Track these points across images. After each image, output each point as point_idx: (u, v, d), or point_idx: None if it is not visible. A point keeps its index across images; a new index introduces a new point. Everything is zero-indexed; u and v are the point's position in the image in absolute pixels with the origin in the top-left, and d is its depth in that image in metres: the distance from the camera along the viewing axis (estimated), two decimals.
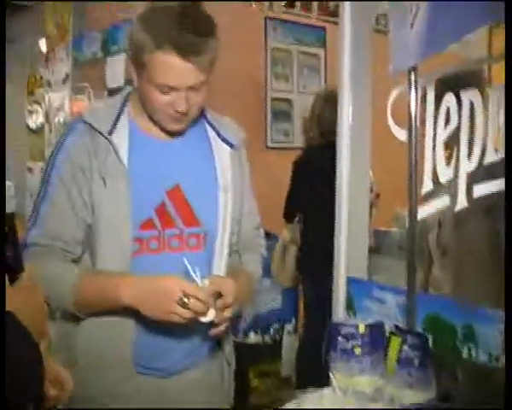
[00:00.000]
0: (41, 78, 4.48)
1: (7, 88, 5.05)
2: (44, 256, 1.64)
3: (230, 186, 1.78)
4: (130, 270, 1.65)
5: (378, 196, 3.61)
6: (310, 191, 3.71)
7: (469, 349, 1.74)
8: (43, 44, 4.44)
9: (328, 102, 3.67)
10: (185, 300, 1.51)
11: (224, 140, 1.81)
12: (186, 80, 1.57)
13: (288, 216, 3.94)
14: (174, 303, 1.52)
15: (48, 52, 4.35)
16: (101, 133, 1.64)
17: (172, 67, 1.54)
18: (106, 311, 1.64)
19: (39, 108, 4.50)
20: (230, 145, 1.81)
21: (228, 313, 1.63)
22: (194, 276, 1.58)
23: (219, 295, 1.60)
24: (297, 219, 3.87)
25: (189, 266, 1.59)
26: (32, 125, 4.62)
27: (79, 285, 1.61)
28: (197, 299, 1.53)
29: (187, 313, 1.53)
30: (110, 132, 1.65)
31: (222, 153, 1.80)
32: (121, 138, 1.66)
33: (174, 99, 1.59)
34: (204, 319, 1.59)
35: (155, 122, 1.70)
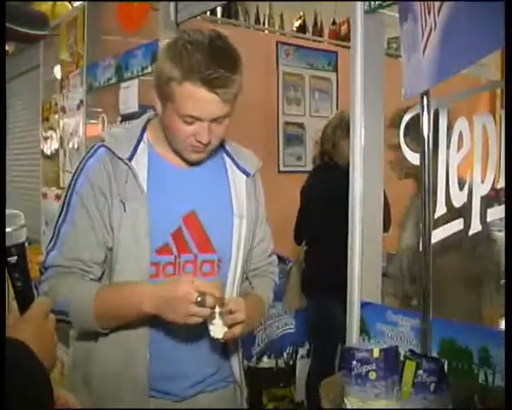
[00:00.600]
0: (56, 104, 4.51)
1: (22, 115, 5.12)
2: (64, 276, 1.66)
3: (245, 214, 1.80)
4: None
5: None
6: (312, 213, 3.73)
7: (486, 374, 1.73)
8: (57, 71, 4.49)
9: (331, 123, 3.71)
10: (201, 299, 1.52)
11: (240, 168, 1.83)
12: (211, 112, 1.59)
13: (297, 239, 3.96)
14: (192, 305, 1.52)
15: (62, 79, 4.39)
16: (121, 159, 1.67)
17: (199, 98, 1.56)
18: (125, 324, 1.65)
19: (54, 134, 4.53)
20: (246, 174, 1.84)
21: (238, 330, 1.64)
22: None
23: (230, 313, 1.61)
24: (304, 241, 3.88)
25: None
26: (47, 150, 4.65)
27: (99, 298, 1.62)
28: (213, 296, 1.54)
29: (205, 311, 1.54)
30: (130, 158, 1.67)
31: (238, 181, 1.82)
32: (141, 164, 1.69)
33: (197, 130, 1.61)
34: (215, 335, 1.60)
35: (174, 149, 1.72)
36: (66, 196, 1.71)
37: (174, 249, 1.70)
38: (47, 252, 1.70)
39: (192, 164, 1.75)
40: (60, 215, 1.70)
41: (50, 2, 4.82)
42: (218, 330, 1.59)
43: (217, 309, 1.58)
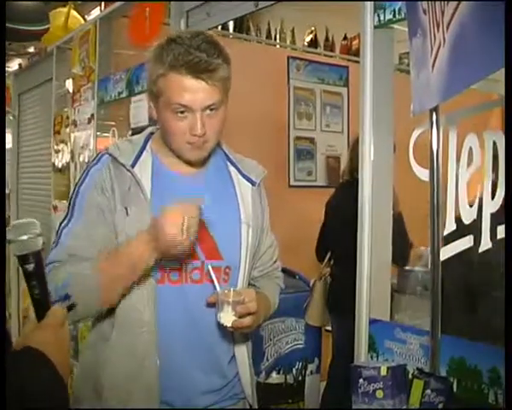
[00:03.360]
0: (67, 117, 4.54)
1: (34, 128, 5.14)
2: (63, 264, 1.64)
3: (251, 222, 1.80)
4: (155, 299, 1.67)
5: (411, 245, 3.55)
6: (338, 229, 3.71)
7: (496, 393, 1.70)
8: (69, 85, 4.52)
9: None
10: (185, 223, 1.53)
11: (245, 177, 1.85)
12: (200, 99, 1.61)
13: (319, 254, 3.93)
14: (178, 228, 1.53)
15: (74, 92, 4.42)
16: (124, 166, 1.69)
17: (186, 86, 1.60)
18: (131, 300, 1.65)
19: (65, 148, 4.55)
20: (252, 183, 1.84)
21: (247, 321, 1.65)
22: (217, 285, 1.64)
23: (243, 303, 1.63)
24: (328, 257, 3.86)
25: (213, 274, 1.66)
26: (58, 164, 4.67)
27: (99, 264, 1.60)
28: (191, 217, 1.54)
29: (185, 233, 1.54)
30: (133, 165, 1.70)
31: (244, 189, 1.83)
32: (144, 172, 1.70)
33: (190, 123, 1.63)
34: (224, 322, 1.61)
35: (177, 156, 1.74)
36: (70, 200, 1.73)
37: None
38: (50, 252, 1.70)
39: (194, 166, 1.76)
40: (65, 218, 1.72)
41: (63, 17, 4.87)
42: (227, 317, 1.61)
43: (229, 298, 1.61)
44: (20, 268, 1.17)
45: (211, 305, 1.68)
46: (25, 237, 1.15)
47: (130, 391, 1.67)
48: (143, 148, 1.75)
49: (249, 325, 1.67)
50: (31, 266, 1.17)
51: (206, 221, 1.72)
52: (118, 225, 1.66)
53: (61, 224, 1.71)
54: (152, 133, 1.81)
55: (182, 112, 1.62)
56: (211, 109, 1.64)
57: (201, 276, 1.72)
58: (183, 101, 1.61)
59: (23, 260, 1.16)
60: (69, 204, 1.73)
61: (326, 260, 3.86)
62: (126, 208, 1.66)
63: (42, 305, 1.18)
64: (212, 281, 1.69)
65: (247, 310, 1.63)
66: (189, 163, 1.75)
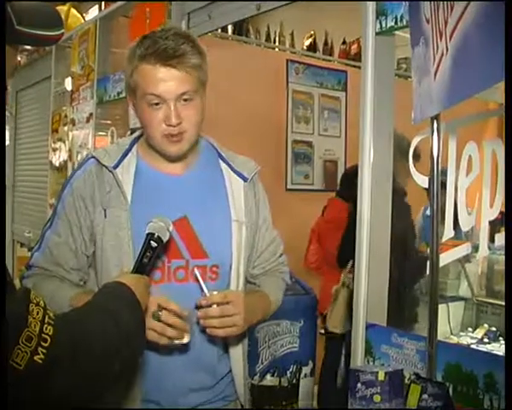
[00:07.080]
0: (65, 116, 4.54)
1: (32, 126, 5.11)
2: (44, 278, 1.71)
3: (244, 219, 1.79)
4: None
5: None
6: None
7: (491, 399, 1.72)
8: (68, 83, 4.52)
9: None
10: (158, 312, 1.53)
11: (237, 173, 1.84)
12: (172, 87, 1.63)
13: (341, 260, 3.92)
14: (150, 319, 1.52)
15: (73, 91, 4.42)
16: (106, 167, 1.70)
17: (157, 75, 1.62)
18: None
19: (63, 146, 4.54)
20: (244, 179, 1.84)
21: (229, 321, 1.63)
22: (204, 287, 1.63)
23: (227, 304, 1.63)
24: (350, 264, 3.85)
25: (199, 277, 1.65)
26: (56, 162, 4.67)
27: (75, 301, 1.59)
28: (170, 312, 1.54)
29: (158, 326, 1.53)
30: (115, 167, 1.71)
31: (235, 186, 1.82)
32: (126, 173, 1.72)
33: (165, 113, 1.64)
34: (178, 341, 1.59)
35: (158, 152, 1.74)
36: (56, 203, 1.77)
37: (162, 255, 1.69)
38: (32, 252, 1.76)
39: (175, 161, 1.76)
40: (48, 221, 1.77)
41: (63, 15, 4.86)
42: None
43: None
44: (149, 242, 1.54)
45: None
46: (162, 224, 1.57)
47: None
48: (128, 150, 1.77)
49: (230, 323, 1.64)
50: (154, 244, 1.53)
51: (190, 219, 1.73)
52: (97, 226, 1.68)
53: (44, 226, 1.77)
54: (140, 137, 1.82)
55: (156, 103, 1.64)
56: (185, 100, 1.65)
57: (186, 275, 1.72)
58: (155, 91, 1.62)
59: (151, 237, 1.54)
60: (53, 209, 1.77)
61: (349, 267, 3.83)
62: (105, 210, 1.67)
63: (144, 270, 1.51)
64: (198, 281, 1.67)
65: (224, 311, 1.62)
66: (171, 159, 1.75)
